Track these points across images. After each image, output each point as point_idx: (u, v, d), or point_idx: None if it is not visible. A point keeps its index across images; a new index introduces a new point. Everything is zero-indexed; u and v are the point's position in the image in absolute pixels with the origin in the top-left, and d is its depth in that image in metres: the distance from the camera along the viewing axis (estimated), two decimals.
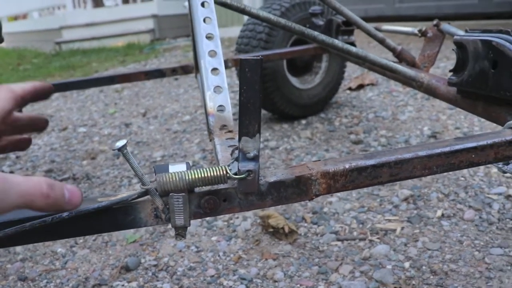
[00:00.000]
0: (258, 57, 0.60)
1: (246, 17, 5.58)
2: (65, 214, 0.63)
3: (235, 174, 0.64)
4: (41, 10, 10.11)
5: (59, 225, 0.65)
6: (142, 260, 1.36)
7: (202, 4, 1.06)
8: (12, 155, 2.48)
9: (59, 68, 5.53)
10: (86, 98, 3.68)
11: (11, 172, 2.23)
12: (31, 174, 2.15)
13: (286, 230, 1.37)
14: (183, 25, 7.63)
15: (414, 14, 4.53)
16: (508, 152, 0.78)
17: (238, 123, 0.62)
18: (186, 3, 2.09)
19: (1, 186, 0.44)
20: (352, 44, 1.81)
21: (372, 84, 2.84)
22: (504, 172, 0.86)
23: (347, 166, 0.71)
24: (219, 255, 1.34)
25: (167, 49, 6.12)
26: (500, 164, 0.86)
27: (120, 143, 0.61)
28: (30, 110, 3.47)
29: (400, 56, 1.48)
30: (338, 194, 1.58)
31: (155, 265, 1.33)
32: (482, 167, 1.64)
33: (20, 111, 1.70)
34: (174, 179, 0.63)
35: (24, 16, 11.18)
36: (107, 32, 7.76)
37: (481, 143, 0.76)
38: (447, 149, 0.75)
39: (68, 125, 2.95)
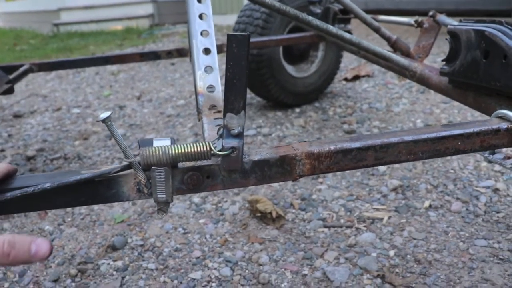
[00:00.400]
0: (246, 34, 0.59)
1: (244, 4, 5.55)
2: (47, 184, 0.63)
3: (219, 150, 0.64)
4: None
5: (41, 195, 0.65)
6: (129, 240, 1.37)
7: None
8: (4, 134, 2.47)
9: (56, 49, 5.49)
10: (81, 80, 3.66)
11: (2, 150, 2.22)
12: (22, 152, 2.15)
13: (274, 215, 1.37)
14: (182, 11, 7.57)
15: (414, 9, 4.51)
16: (494, 140, 0.78)
17: (223, 99, 0.62)
18: None
19: None
20: (349, 32, 1.80)
21: (368, 76, 2.83)
22: (490, 161, 0.86)
23: (332, 147, 0.71)
24: (205, 238, 1.34)
25: (165, 35, 6.09)
26: (486, 154, 0.87)
27: (104, 115, 0.61)
28: (25, 90, 3.45)
29: (395, 46, 1.47)
30: (328, 181, 1.59)
31: (141, 245, 1.34)
32: (472, 160, 1.65)
33: (12, 89, 1.69)
34: (157, 153, 0.62)
35: None
36: (106, 16, 7.70)
37: (467, 130, 0.76)
38: (433, 135, 0.75)
39: (62, 105, 2.94)
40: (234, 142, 0.64)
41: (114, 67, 3.86)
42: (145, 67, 3.82)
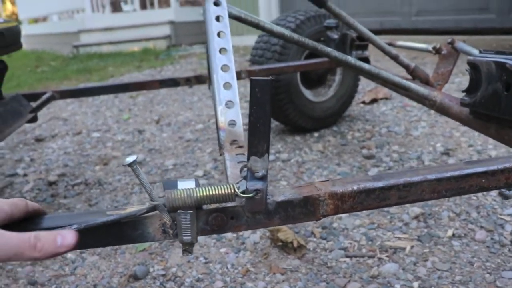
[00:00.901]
0: (269, 78, 0.60)
1: None
2: (74, 226, 0.64)
3: (243, 192, 0.65)
4: (60, 14, 10.25)
5: None
6: (151, 269, 1.37)
7: (217, 18, 1.07)
8: (26, 158, 2.51)
9: (76, 71, 5.60)
10: (101, 103, 3.72)
11: (25, 175, 2.26)
12: (44, 177, 2.18)
13: (295, 244, 1.37)
14: (199, 32, 7.68)
15: (431, 28, 4.51)
16: None
17: (247, 141, 0.63)
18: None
19: None
20: (366, 59, 1.81)
21: (386, 98, 2.83)
22: (507, 197, 0.85)
23: (355, 187, 0.71)
24: (227, 267, 1.34)
25: (182, 56, 6.17)
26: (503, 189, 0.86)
27: (130, 159, 0.62)
28: (46, 113, 3.52)
29: (414, 73, 1.47)
30: None
31: (163, 275, 1.34)
32: None
33: (36, 118, 1.72)
34: (182, 195, 0.63)
35: (44, 19, 11.34)
36: (124, 37, 7.84)
37: (491, 167, 0.76)
38: (457, 173, 0.74)
39: (82, 129, 2.98)
40: (258, 185, 0.64)
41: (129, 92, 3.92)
42: (164, 90, 3.86)
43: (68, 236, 0.58)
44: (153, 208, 0.66)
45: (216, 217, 0.67)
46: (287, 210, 0.69)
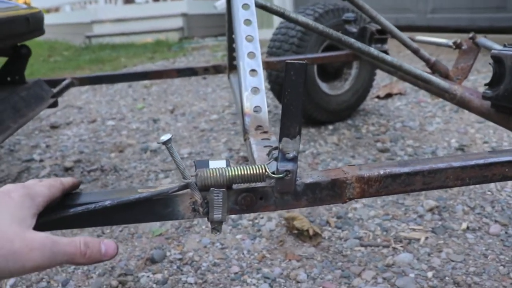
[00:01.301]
0: (304, 61, 0.62)
1: (276, 21, 5.58)
2: (107, 202, 0.67)
3: (273, 173, 0.66)
4: (73, 4, 10.30)
5: (101, 212, 0.68)
6: (168, 253, 1.39)
7: (244, 6, 1.09)
8: (42, 144, 2.54)
9: (89, 61, 5.63)
10: (115, 92, 3.75)
11: (41, 160, 2.29)
12: (60, 163, 2.21)
13: (311, 232, 1.38)
14: (211, 25, 7.70)
15: (446, 26, 4.49)
16: None
17: (280, 123, 0.64)
18: (217, 4, 2.12)
19: (51, 249, 0.55)
20: (386, 52, 1.81)
21: (401, 94, 2.83)
22: None
23: (381, 172, 0.72)
24: (243, 253, 1.36)
25: (195, 48, 6.19)
26: None
27: (165, 137, 0.64)
28: (61, 101, 3.55)
29: (434, 67, 1.48)
30: (363, 200, 1.59)
31: (180, 259, 1.36)
32: (510, 183, 1.63)
33: (56, 103, 1.75)
34: (214, 174, 0.65)
35: (57, 9, 11.39)
36: (137, 29, 7.87)
37: None
38: (481, 161, 0.76)
39: (97, 117, 3.01)
40: (288, 166, 0.66)
41: (146, 80, 3.94)
42: (177, 81, 3.88)
43: (111, 246, 0.62)
44: (185, 186, 0.67)
45: (246, 197, 0.69)
46: (314, 192, 0.71)
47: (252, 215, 1.55)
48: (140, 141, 2.43)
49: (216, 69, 1.99)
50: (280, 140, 0.65)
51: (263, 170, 0.66)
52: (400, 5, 4.86)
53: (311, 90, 2.20)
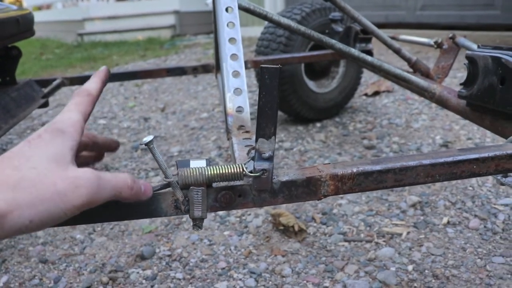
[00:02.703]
0: (277, 66, 0.66)
1: None
2: None
3: (251, 172, 0.70)
4: (64, 1, 10.27)
5: (86, 211, 0.71)
6: (157, 250, 1.43)
7: (227, 9, 1.12)
8: None
9: (81, 59, 5.64)
10: (106, 90, 3.77)
11: None
12: None
13: (296, 228, 1.42)
14: (204, 22, 7.71)
15: (435, 23, 4.54)
16: (509, 165, 0.82)
17: (256, 125, 0.68)
18: (209, 1, 2.15)
19: (98, 183, 0.52)
20: (370, 51, 1.85)
21: (388, 91, 2.88)
22: (502, 184, 0.90)
23: (354, 170, 0.76)
24: (230, 249, 1.40)
25: (187, 46, 6.20)
26: (499, 176, 0.91)
27: (147, 138, 0.68)
28: (52, 100, 3.56)
29: (415, 67, 1.52)
30: (348, 197, 1.63)
31: (169, 255, 1.40)
32: (490, 178, 1.68)
33: (47, 103, 1.77)
34: (194, 173, 0.68)
35: (48, 6, 11.35)
36: (129, 26, 7.87)
37: (482, 155, 0.81)
38: (450, 159, 0.80)
39: None
40: (265, 165, 0.69)
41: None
42: (168, 79, 3.91)
43: (148, 187, 0.63)
44: (167, 185, 0.71)
45: (225, 195, 0.72)
46: (290, 190, 0.74)
47: (240, 212, 1.59)
48: (131, 140, 2.46)
49: (205, 69, 2.02)
50: (256, 141, 0.69)
51: (241, 169, 0.69)
52: (390, 2, 4.90)
53: (298, 88, 2.24)
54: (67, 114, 0.58)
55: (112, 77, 2.11)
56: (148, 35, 7.55)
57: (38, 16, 10.53)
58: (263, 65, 0.65)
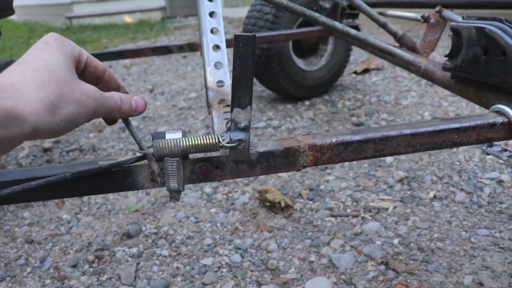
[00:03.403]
0: (252, 34, 0.64)
1: None
2: (68, 174, 0.69)
3: (227, 143, 0.69)
4: None
5: (63, 184, 0.70)
6: (143, 228, 1.42)
7: None
8: None
9: None
10: None
11: None
12: (39, 144, 2.21)
13: (283, 204, 1.42)
14: (194, 4, 7.57)
15: (427, 1, 4.50)
16: (490, 134, 0.82)
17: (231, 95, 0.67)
18: None
19: (101, 99, 0.56)
20: (356, 27, 1.83)
21: (378, 69, 2.86)
22: (488, 154, 0.90)
23: (333, 140, 0.75)
24: (216, 226, 1.40)
25: (177, 27, 6.14)
26: (484, 146, 0.90)
27: None
28: None
29: (401, 41, 1.50)
30: (336, 172, 1.63)
31: (155, 233, 1.39)
32: (477, 153, 1.68)
33: None
34: (169, 145, 0.67)
35: None
36: (118, 9, 7.77)
37: (464, 124, 0.80)
38: (431, 128, 0.79)
39: None
40: (241, 135, 0.68)
41: (126, 60, 3.92)
42: (157, 60, 3.87)
43: (140, 103, 0.64)
44: (142, 157, 0.70)
45: (202, 166, 0.71)
46: (269, 161, 0.73)
47: (226, 189, 1.58)
48: (119, 121, 2.43)
49: (191, 47, 1.99)
50: (231, 111, 0.67)
51: (217, 140, 0.68)
52: None
53: (286, 66, 2.22)
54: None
55: (98, 57, 2.08)
56: (138, 17, 7.46)
57: (25, 0, 10.38)
58: (236, 33, 0.63)
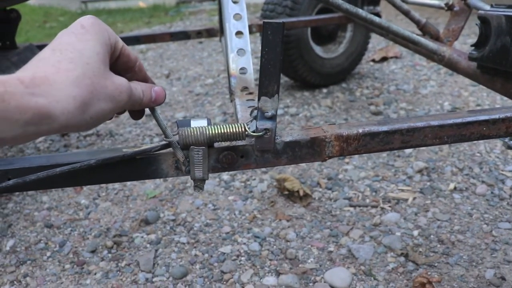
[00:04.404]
0: (281, 21, 0.63)
1: None
2: (92, 161, 0.68)
3: (253, 131, 0.68)
4: None
5: (87, 171, 0.70)
6: (161, 215, 1.43)
7: None
8: None
9: None
10: None
11: None
12: None
13: (301, 193, 1.41)
14: None
15: None
16: None
17: (259, 83, 0.65)
18: None
19: (132, 93, 0.54)
20: (377, 14, 1.80)
21: (396, 57, 2.82)
22: (510, 147, 0.88)
23: (360, 130, 0.74)
24: (234, 214, 1.39)
25: (192, 13, 6.11)
26: (507, 139, 0.88)
27: None
28: None
29: (424, 29, 1.47)
30: (354, 162, 1.62)
31: (173, 220, 1.40)
32: (499, 145, 1.65)
33: None
34: (195, 133, 0.66)
35: None
36: None
37: (493, 116, 0.78)
38: (459, 120, 0.77)
39: None
40: (267, 124, 0.67)
41: (142, 46, 3.91)
42: (173, 46, 3.86)
43: (160, 94, 0.62)
44: (167, 145, 0.69)
45: (227, 155, 0.71)
46: (294, 150, 0.73)
47: (244, 177, 1.58)
48: None
49: (209, 33, 1.98)
50: (258, 99, 0.66)
51: (243, 129, 0.67)
52: None
53: (305, 53, 2.20)
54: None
55: None
56: (153, 2, 7.43)
57: None
58: (265, 20, 0.62)
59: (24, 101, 0.42)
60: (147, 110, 0.67)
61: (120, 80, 0.52)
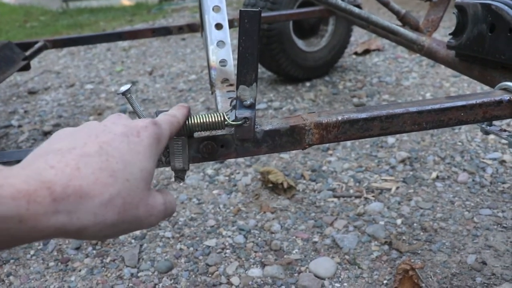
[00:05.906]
0: (258, 9, 0.63)
1: None
2: None
3: (233, 121, 0.68)
4: None
5: None
6: None
7: None
8: (20, 110, 2.53)
9: (67, 26, 5.51)
10: (93, 56, 3.70)
11: (19, 126, 2.28)
12: (39, 128, 2.20)
13: (285, 185, 1.41)
14: None
15: None
16: (496, 111, 0.81)
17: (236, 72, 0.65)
18: None
19: (165, 213, 0.50)
20: (358, 6, 1.81)
21: (379, 50, 2.84)
22: (487, 132, 0.89)
23: (339, 118, 0.74)
24: (219, 207, 1.40)
25: (175, 10, 6.08)
26: (484, 124, 0.89)
27: (124, 87, 0.65)
28: (38, 67, 3.50)
29: (404, 20, 1.48)
30: (338, 153, 1.63)
31: None
32: (480, 133, 1.67)
33: (28, 66, 1.72)
34: None
35: None
36: None
37: (470, 102, 0.79)
38: (437, 106, 0.78)
39: (75, 81, 2.98)
40: (246, 113, 0.67)
41: (125, 43, 3.89)
42: (156, 43, 3.84)
43: (172, 206, 0.53)
44: None
45: (207, 145, 0.71)
46: (274, 139, 0.73)
47: (229, 171, 1.58)
48: (119, 103, 2.42)
49: (191, 28, 1.97)
50: (237, 88, 0.66)
51: (222, 118, 0.67)
52: None
53: (287, 47, 2.20)
54: (166, 125, 0.55)
55: (97, 39, 2.07)
56: (136, 0, 7.38)
57: None
58: (242, 9, 0.62)
59: (43, 222, 0.36)
60: (124, 98, 0.66)
61: (156, 202, 0.48)
